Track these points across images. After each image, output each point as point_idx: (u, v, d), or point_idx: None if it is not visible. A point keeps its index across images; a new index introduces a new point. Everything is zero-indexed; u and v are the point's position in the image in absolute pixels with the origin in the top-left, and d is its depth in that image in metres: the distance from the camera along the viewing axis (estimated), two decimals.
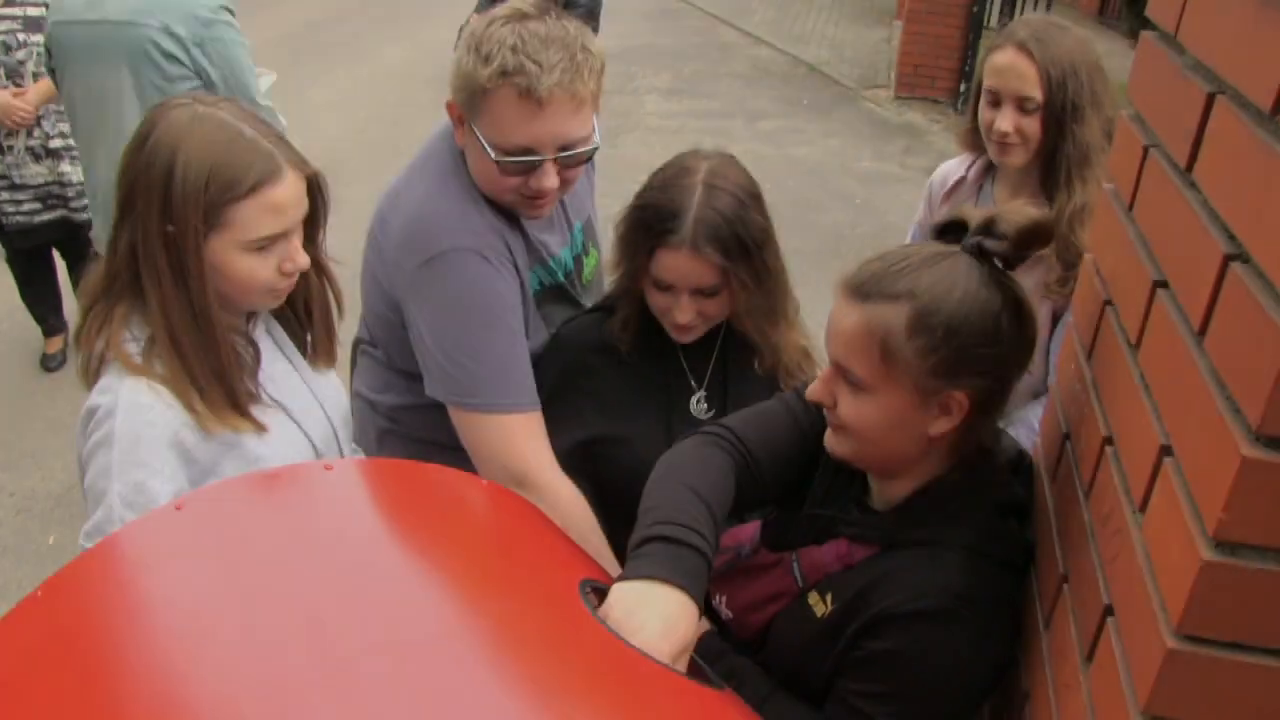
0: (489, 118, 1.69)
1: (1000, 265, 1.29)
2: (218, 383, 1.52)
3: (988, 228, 1.27)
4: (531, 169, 1.72)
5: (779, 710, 1.35)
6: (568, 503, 1.70)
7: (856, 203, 6.84)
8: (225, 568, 1.09)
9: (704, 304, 1.70)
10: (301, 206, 1.55)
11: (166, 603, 1.05)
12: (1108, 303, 1.23)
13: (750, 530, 1.52)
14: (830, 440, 1.38)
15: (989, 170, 2.42)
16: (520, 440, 1.74)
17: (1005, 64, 2.18)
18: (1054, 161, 2.18)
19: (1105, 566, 1.08)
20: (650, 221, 1.68)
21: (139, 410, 1.47)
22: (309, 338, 1.75)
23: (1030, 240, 1.26)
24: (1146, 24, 1.22)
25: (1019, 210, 1.26)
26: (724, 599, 1.51)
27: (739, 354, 1.83)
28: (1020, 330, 1.28)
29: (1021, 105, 2.17)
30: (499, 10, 1.73)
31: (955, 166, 2.53)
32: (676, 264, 1.66)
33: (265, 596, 1.05)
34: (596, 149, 1.79)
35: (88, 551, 1.11)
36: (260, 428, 1.56)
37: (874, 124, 8.75)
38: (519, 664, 1.01)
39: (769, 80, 10.02)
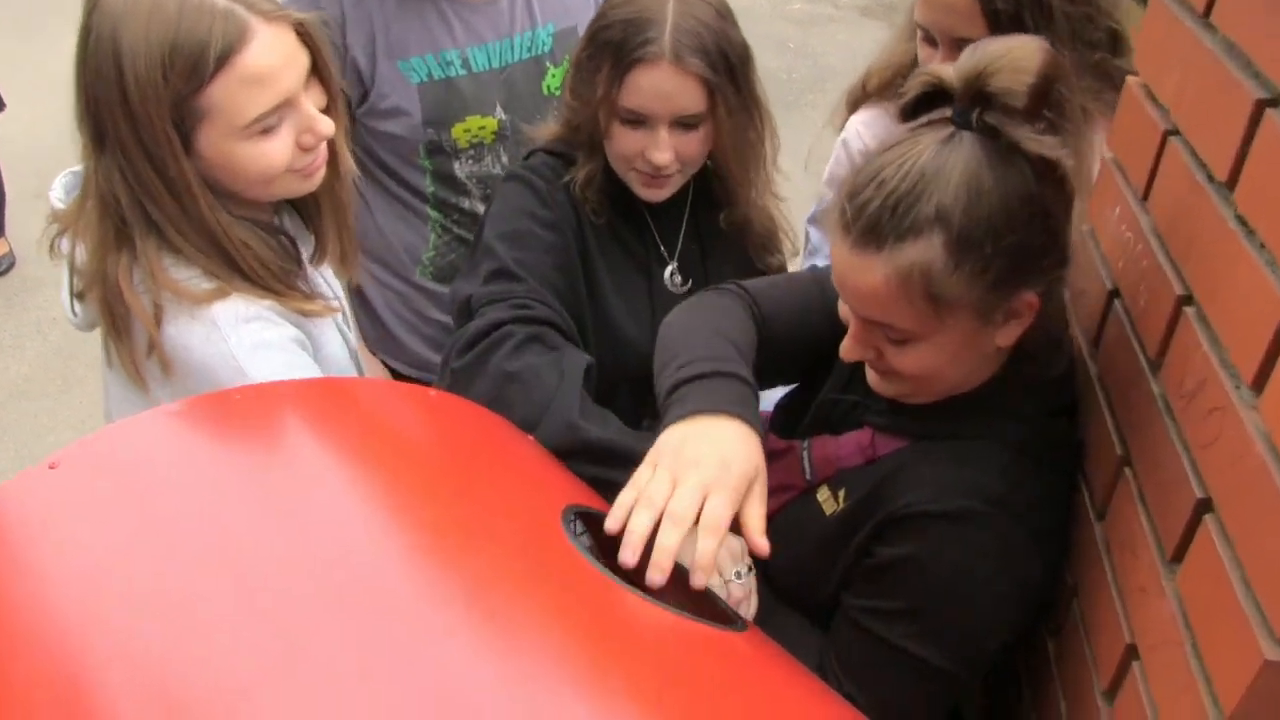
0: None
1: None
2: (275, 293, 1.30)
3: (983, 96, 1.00)
4: None
5: (777, 630, 1.14)
6: None
7: (790, 47, 6.56)
8: (137, 513, 0.90)
9: (682, 140, 1.44)
10: (295, 65, 1.24)
11: (64, 557, 0.87)
12: (1171, 133, 1.03)
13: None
14: (876, 383, 1.15)
15: None
16: None
17: None
18: None
19: (1195, 452, 0.91)
20: (619, 39, 1.40)
21: (246, 322, 1.24)
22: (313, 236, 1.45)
23: (1046, 96, 0.99)
24: None
25: (1018, 63, 0.98)
26: None
27: (710, 219, 1.60)
28: (1061, 191, 1.04)
29: (959, 47, 1.41)
30: None
31: (885, 123, 1.65)
32: (656, 82, 1.40)
33: (189, 543, 0.87)
34: None
35: None
36: (331, 310, 1.38)
37: None
38: (503, 628, 0.81)
39: None
